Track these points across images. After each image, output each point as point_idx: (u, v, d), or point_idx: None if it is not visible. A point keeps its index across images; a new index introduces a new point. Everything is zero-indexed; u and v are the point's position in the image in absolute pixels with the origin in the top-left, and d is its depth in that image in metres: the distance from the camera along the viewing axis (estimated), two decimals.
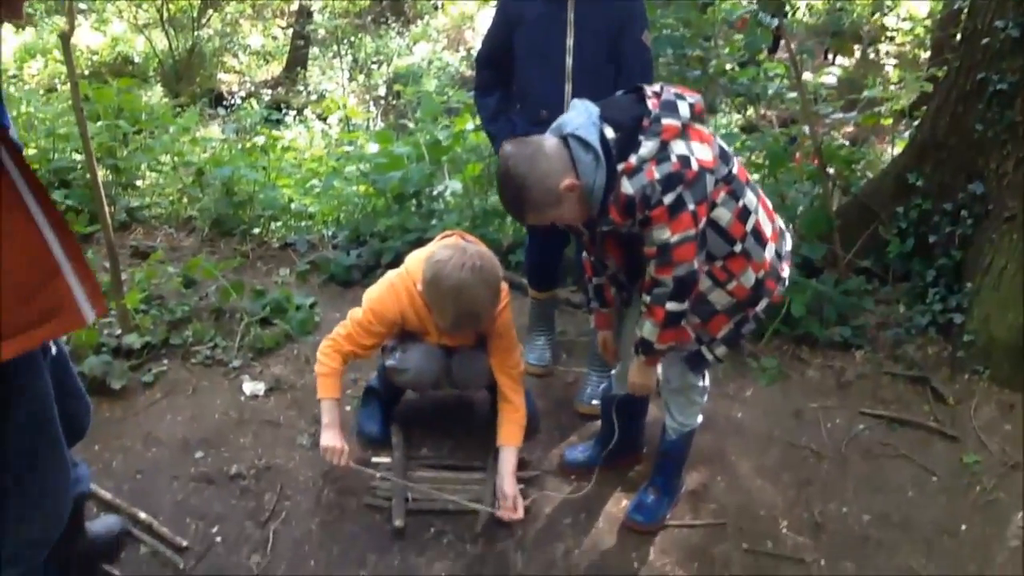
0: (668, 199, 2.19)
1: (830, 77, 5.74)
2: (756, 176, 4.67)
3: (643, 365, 2.52)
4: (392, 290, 2.84)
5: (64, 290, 1.68)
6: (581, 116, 2.28)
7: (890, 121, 5.16)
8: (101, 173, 4.78)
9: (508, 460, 2.82)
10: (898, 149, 4.95)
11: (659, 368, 2.62)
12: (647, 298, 2.37)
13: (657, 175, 2.19)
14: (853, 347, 3.85)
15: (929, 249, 4.00)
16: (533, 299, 3.66)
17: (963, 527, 2.93)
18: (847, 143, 6.10)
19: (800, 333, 3.87)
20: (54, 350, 1.96)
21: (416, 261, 2.81)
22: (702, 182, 2.23)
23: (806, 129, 4.28)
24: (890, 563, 2.77)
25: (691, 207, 2.22)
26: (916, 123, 4.71)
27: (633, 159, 2.20)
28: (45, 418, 1.86)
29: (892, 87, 5.33)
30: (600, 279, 2.66)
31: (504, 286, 2.83)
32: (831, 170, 4.41)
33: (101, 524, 2.63)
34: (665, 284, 2.31)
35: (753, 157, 4.69)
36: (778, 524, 2.89)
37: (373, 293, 2.89)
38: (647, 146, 2.20)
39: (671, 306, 2.33)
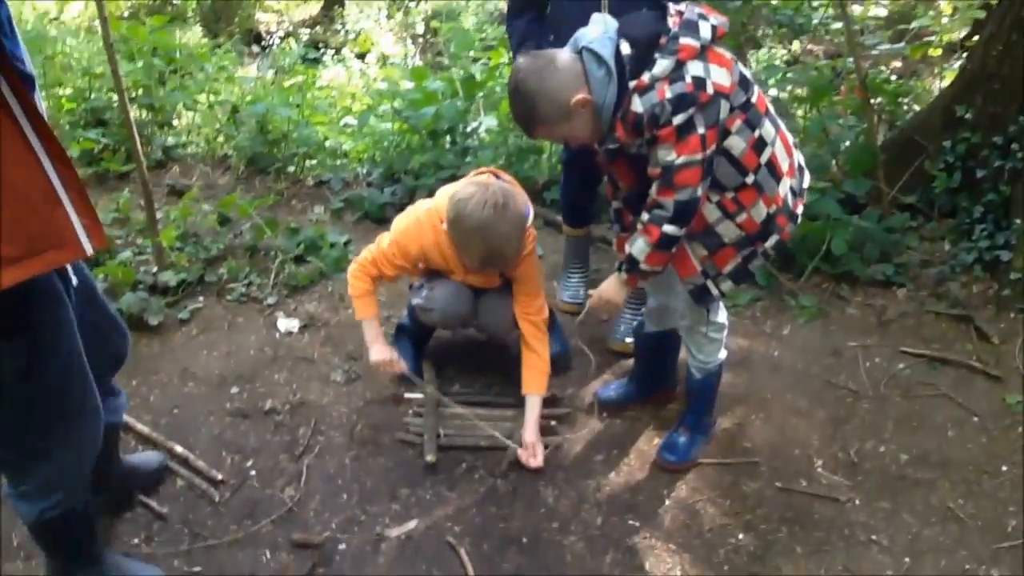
0: (677, 120, 2.13)
1: (879, 8, 5.54)
2: (799, 111, 4.54)
3: (620, 281, 2.48)
4: (418, 225, 2.82)
5: (64, 221, 1.69)
6: (598, 30, 2.22)
7: (939, 52, 4.97)
8: (137, 112, 4.80)
9: (531, 408, 2.83)
10: (947, 82, 4.75)
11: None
12: (645, 216, 2.32)
13: (668, 94, 2.12)
14: (895, 285, 3.76)
15: (977, 184, 3.86)
16: (567, 236, 3.61)
17: (1003, 467, 2.87)
18: (894, 76, 5.89)
19: (841, 271, 3.78)
20: (75, 280, 1.96)
21: (444, 198, 2.77)
22: (715, 106, 2.16)
23: (851, 61, 4.13)
24: (927, 503, 2.73)
25: (701, 131, 2.15)
26: (966, 54, 4.52)
27: (646, 77, 2.14)
28: (70, 350, 1.88)
29: (943, 18, 5.09)
30: (618, 203, 2.61)
31: (531, 229, 2.79)
32: (877, 103, 4.27)
33: (141, 458, 2.68)
34: (665, 207, 2.25)
35: (795, 91, 4.54)
36: (813, 463, 2.86)
37: (400, 224, 2.87)
38: (661, 64, 2.13)
39: (668, 228, 2.28)
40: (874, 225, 3.85)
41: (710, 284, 2.48)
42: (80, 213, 1.72)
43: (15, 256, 1.61)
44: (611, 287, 2.51)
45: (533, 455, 2.75)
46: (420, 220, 2.82)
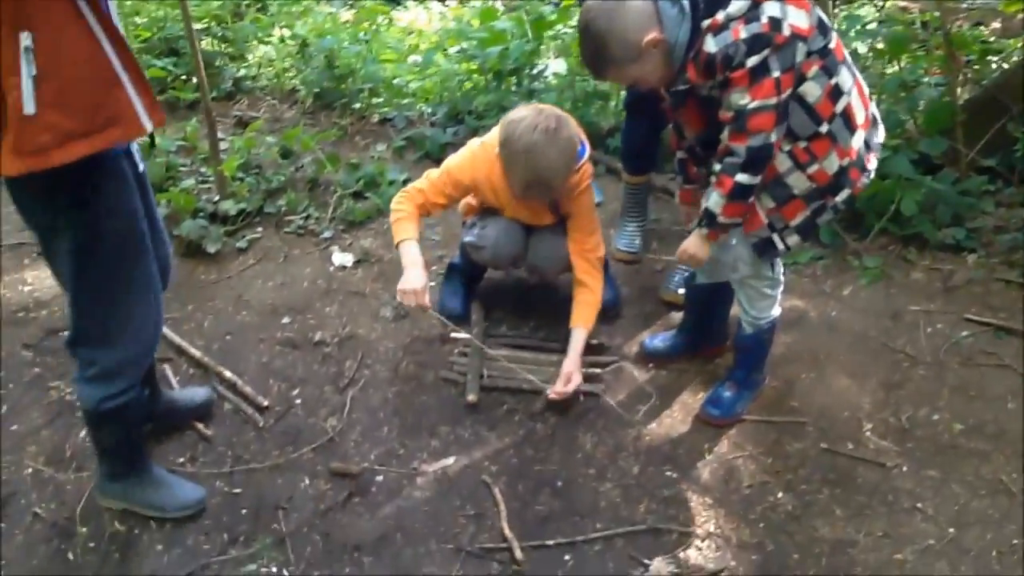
0: (751, 62, 2.05)
1: None
2: (879, 65, 4.35)
3: (701, 236, 2.40)
4: (471, 156, 2.82)
5: (124, 100, 1.79)
6: None
7: None
8: (210, 43, 4.84)
9: (576, 340, 2.79)
10: None
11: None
12: (717, 167, 2.25)
13: (743, 35, 2.04)
14: (965, 250, 3.61)
15: None
16: (626, 183, 3.55)
17: None
18: (992, 37, 5.60)
19: (909, 233, 3.64)
20: (141, 166, 2.07)
21: (492, 141, 2.75)
22: (791, 49, 2.07)
23: (938, 13, 3.94)
24: (977, 474, 2.64)
25: (776, 74, 2.07)
26: None
27: (720, 16, 2.06)
28: (134, 228, 1.98)
29: None
30: (682, 153, 2.54)
31: (588, 165, 2.74)
32: (963, 60, 4.06)
33: (184, 394, 2.74)
34: (738, 153, 2.18)
35: (876, 44, 4.35)
36: (862, 426, 2.79)
37: (455, 157, 2.87)
38: (737, 4, 2.05)
39: (741, 178, 2.20)
40: (948, 187, 3.69)
41: (776, 238, 2.41)
42: (140, 93, 1.82)
43: (80, 131, 1.73)
44: (694, 243, 2.43)
45: (567, 382, 2.71)
46: (475, 152, 2.82)
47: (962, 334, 3.19)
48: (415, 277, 2.67)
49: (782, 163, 2.28)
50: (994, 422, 2.83)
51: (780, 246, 2.42)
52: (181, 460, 2.55)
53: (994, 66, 4.37)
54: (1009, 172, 3.86)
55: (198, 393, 2.73)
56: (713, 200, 2.29)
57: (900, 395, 2.92)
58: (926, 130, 3.86)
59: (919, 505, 2.53)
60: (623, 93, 4.38)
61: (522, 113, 2.58)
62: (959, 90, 3.99)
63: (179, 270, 3.21)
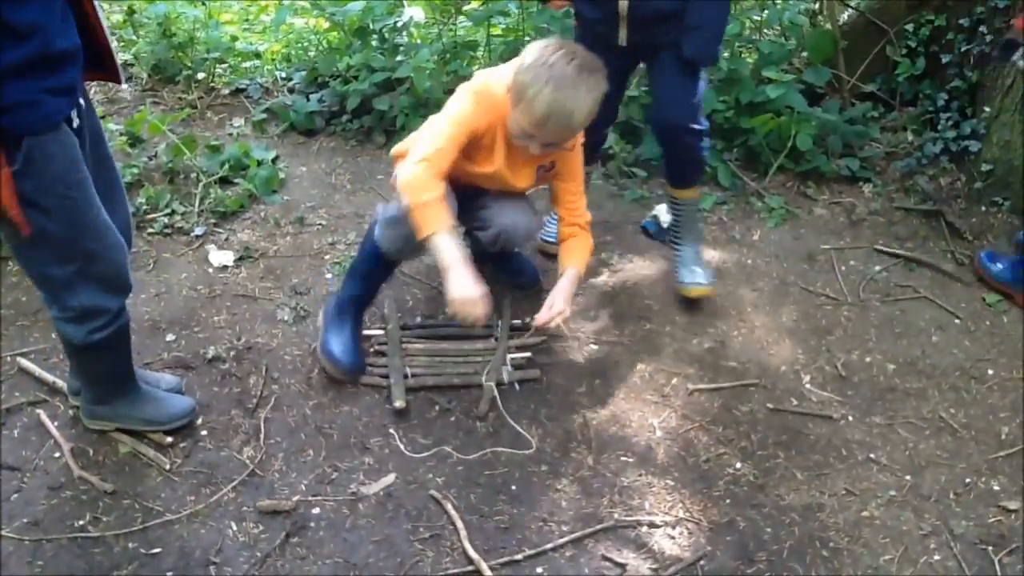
0: None
1: None
2: None
3: None
4: (476, 99, 2.38)
5: None
6: None
7: None
8: None
9: (568, 277, 2.58)
10: None
11: None
12: None
13: None
14: (861, 180, 3.62)
15: (941, 70, 3.70)
16: None
17: (990, 371, 2.81)
18: None
19: (806, 168, 3.61)
20: (76, 122, 1.86)
21: (498, 74, 2.42)
22: None
23: None
24: (919, 414, 2.65)
25: None
26: None
27: None
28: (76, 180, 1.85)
29: None
30: None
31: None
32: None
33: (155, 377, 2.52)
34: None
35: None
36: (801, 379, 2.74)
37: (456, 104, 2.41)
38: None
39: None
40: (836, 117, 3.67)
41: None
42: None
43: None
44: None
45: (556, 316, 2.52)
46: (478, 94, 2.39)
47: (875, 269, 3.19)
48: (469, 282, 2.26)
49: None
50: (923, 358, 2.85)
51: None
52: (80, 523, 2.18)
53: None
54: (891, 97, 3.89)
55: (169, 380, 2.53)
56: None
57: (830, 341, 2.89)
58: (810, 60, 3.82)
59: (872, 456, 2.51)
60: (495, 45, 4.14)
61: (554, 42, 2.31)
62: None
63: (32, 294, 2.76)
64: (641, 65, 2.94)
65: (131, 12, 4.32)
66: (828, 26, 3.84)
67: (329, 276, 3.01)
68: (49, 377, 2.53)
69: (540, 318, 2.54)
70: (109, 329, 2.09)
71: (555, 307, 2.52)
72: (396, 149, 2.61)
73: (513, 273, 2.98)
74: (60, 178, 1.81)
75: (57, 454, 2.34)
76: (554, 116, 2.24)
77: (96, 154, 2.00)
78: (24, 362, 2.58)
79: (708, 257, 3.15)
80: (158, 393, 2.41)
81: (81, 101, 1.89)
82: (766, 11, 4.05)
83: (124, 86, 4.12)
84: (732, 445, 2.51)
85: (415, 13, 4.18)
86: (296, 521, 2.22)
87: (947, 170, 3.55)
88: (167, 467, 2.33)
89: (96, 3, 1.85)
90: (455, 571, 2.12)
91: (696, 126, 2.74)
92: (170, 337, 2.75)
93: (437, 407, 2.56)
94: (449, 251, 2.25)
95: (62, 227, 1.87)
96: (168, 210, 3.26)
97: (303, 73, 4.21)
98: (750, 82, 3.60)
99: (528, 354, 2.71)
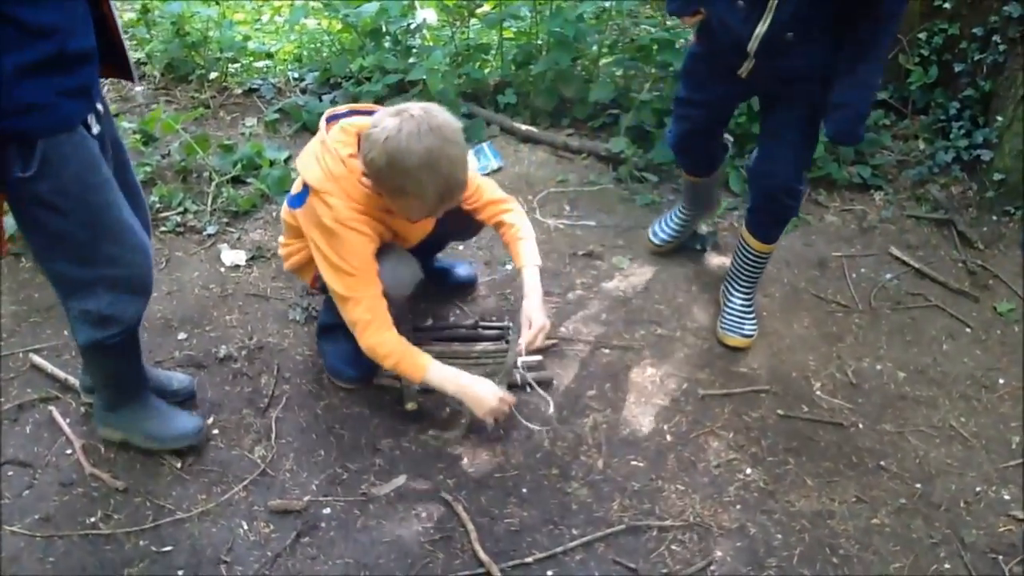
0: None
1: None
2: None
3: None
4: (344, 228, 2.22)
5: None
6: None
7: None
8: None
9: (531, 279, 2.46)
10: None
11: None
12: None
13: None
14: (872, 188, 3.62)
15: (954, 79, 3.70)
16: None
17: (1000, 380, 2.81)
18: None
19: (817, 175, 3.61)
20: (96, 128, 1.85)
21: (330, 188, 2.22)
22: None
23: None
24: (929, 422, 2.65)
25: None
26: None
27: None
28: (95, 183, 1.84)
29: None
30: None
31: None
32: None
33: (168, 376, 2.53)
34: None
35: None
36: (812, 386, 2.74)
37: (334, 244, 2.23)
38: None
39: None
40: None
41: None
42: None
43: None
44: None
45: (540, 335, 2.42)
46: (345, 220, 2.21)
47: (886, 276, 3.18)
48: (490, 388, 2.33)
49: None
50: (934, 366, 2.85)
51: None
52: (91, 520, 2.19)
53: None
54: (903, 104, 3.88)
55: (181, 379, 2.53)
56: None
57: (841, 348, 2.89)
58: None
59: (882, 463, 2.51)
60: (508, 45, 4.14)
61: (389, 124, 2.09)
62: None
63: (45, 290, 2.78)
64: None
65: (145, 11, 4.33)
66: None
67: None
68: (61, 374, 2.54)
69: (524, 341, 2.43)
70: (122, 336, 2.08)
71: (535, 323, 2.43)
72: (291, 265, 2.60)
73: (454, 276, 2.99)
74: (77, 179, 1.80)
75: (69, 451, 2.35)
76: (447, 191, 2.17)
77: (116, 160, 2.01)
78: (36, 358, 2.59)
79: (718, 263, 3.15)
80: (165, 408, 2.36)
81: (99, 106, 1.88)
82: None
83: (137, 87, 4.13)
84: (743, 451, 2.51)
85: (428, 15, 4.19)
86: (307, 521, 2.23)
87: (959, 179, 3.55)
88: (178, 465, 2.34)
89: (112, 2, 1.86)
90: (465, 573, 2.12)
91: (799, 187, 2.65)
92: (182, 336, 2.76)
93: (448, 409, 2.57)
94: (447, 379, 2.32)
95: (80, 229, 1.85)
96: (181, 209, 3.27)
97: (316, 74, 4.22)
98: None
99: (540, 357, 2.71)
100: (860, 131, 2.41)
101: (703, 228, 3.25)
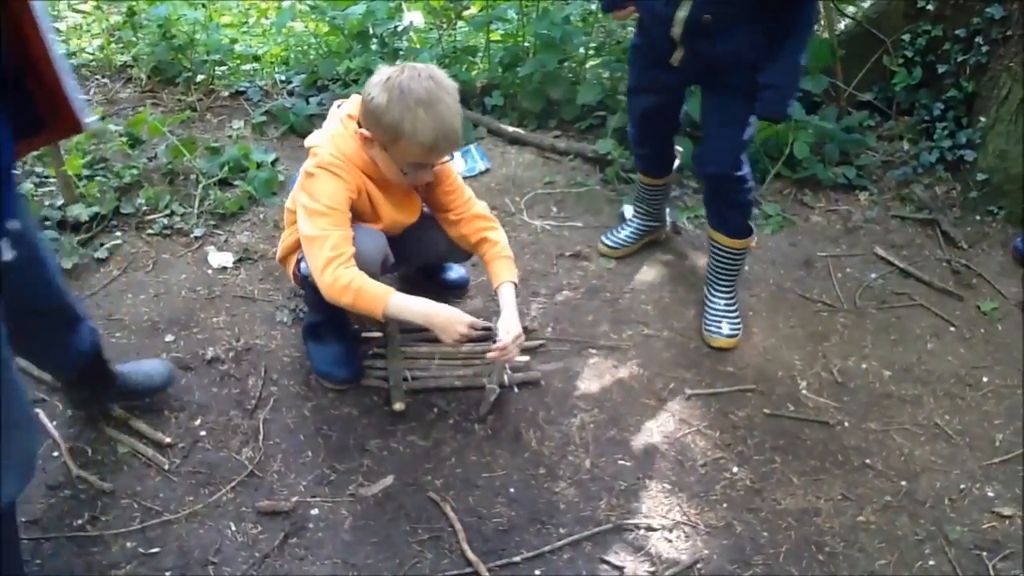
0: None
1: None
2: None
3: None
4: (332, 173, 2.29)
5: None
6: None
7: None
8: None
9: (508, 296, 2.46)
10: None
11: None
12: None
13: None
14: (857, 188, 3.64)
15: (938, 80, 3.73)
16: None
17: (984, 379, 2.83)
18: None
19: (802, 176, 3.63)
20: (8, 255, 1.45)
21: (322, 138, 2.35)
22: None
23: None
24: (914, 420, 2.67)
25: None
26: None
27: None
28: None
29: None
30: None
31: None
32: None
33: (147, 368, 2.49)
34: None
35: None
36: (798, 385, 2.75)
37: (315, 187, 2.29)
38: None
39: None
40: (833, 125, 3.70)
41: None
42: None
43: None
44: None
45: (513, 345, 2.40)
46: (329, 167, 2.29)
47: (871, 276, 3.21)
48: (456, 313, 2.31)
49: None
50: (919, 364, 2.87)
51: None
52: (79, 522, 2.18)
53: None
54: (887, 106, 3.91)
55: (151, 368, 2.51)
56: None
57: (827, 347, 2.91)
58: (808, 68, 3.84)
59: (868, 461, 2.52)
60: (495, 48, 4.16)
61: (390, 71, 2.21)
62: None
63: None
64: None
65: (132, 14, 4.32)
66: (826, 35, 3.85)
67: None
68: (47, 376, 2.53)
69: (497, 347, 2.40)
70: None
71: (511, 333, 2.41)
72: (280, 253, 2.67)
73: (446, 278, 3.00)
74: None
75: (56, 453, 2.34)
76: (441, 135, 2.23)
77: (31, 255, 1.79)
78: (22, 361, 2.58)
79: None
80: (132, 370, 2.42)
81: (15, 224, 1.47)
82: None
83: (92, 123, 4.12)
84: (729, 450, 2.52)
85: (415, 18, 4.20)
86: (295, 522, 2.23)
87: (943, 179, 3.58)
88: (166, 467, 2.34)
89: (48, 34, 1.54)
90: (453, 572, 2.12)
91: (736, 172, 2.70)
92: (169, 338, 2.75)
93: (435, 409, 2.57)
94: (410, 307, 2.29)
95: None
96: (168, 211, 3.27)
97: (303, 76, 4.22)
98: None
99: (527, 357, 2.72)
100: (785, 109, 2.56)
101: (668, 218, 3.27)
